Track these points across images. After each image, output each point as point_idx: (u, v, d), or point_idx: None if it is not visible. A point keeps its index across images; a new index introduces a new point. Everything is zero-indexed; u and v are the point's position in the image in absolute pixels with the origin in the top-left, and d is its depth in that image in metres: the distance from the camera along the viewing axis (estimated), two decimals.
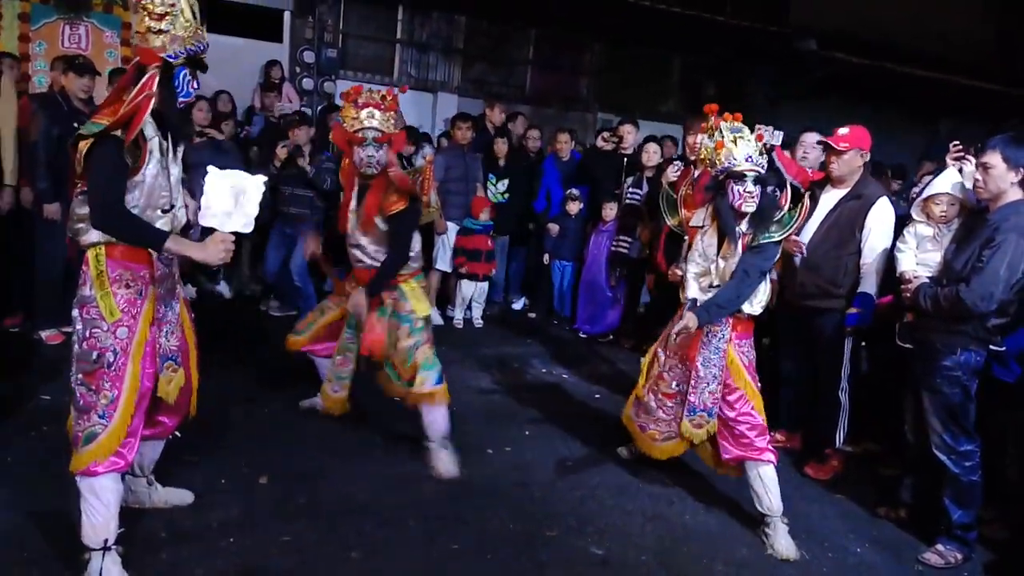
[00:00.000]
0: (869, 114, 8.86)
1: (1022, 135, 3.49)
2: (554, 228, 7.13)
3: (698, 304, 3.55)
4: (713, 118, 3.52)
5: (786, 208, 3.55)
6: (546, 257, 7.28)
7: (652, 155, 6.40)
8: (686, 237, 3.85)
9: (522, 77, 10.94)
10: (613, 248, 6.63)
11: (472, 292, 6.81)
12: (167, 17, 2.50)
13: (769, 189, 3.53)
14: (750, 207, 3.46)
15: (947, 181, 3.75)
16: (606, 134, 7.16)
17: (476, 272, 6.70)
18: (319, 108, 8.87)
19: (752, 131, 3.49)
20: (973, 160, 3.71)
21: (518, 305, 7.70)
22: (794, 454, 4.55)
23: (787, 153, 4.99)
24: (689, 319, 3.47)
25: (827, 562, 3.49)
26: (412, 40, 10.13)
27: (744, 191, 3.42)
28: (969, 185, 3.63)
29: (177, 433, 3.09)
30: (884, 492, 4.09)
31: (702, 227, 3.69)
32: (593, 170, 7.04)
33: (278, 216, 6.25)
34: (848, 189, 4.18)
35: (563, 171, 7.32)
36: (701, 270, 3.64)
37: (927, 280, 3.58)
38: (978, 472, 3.50)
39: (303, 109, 8.52)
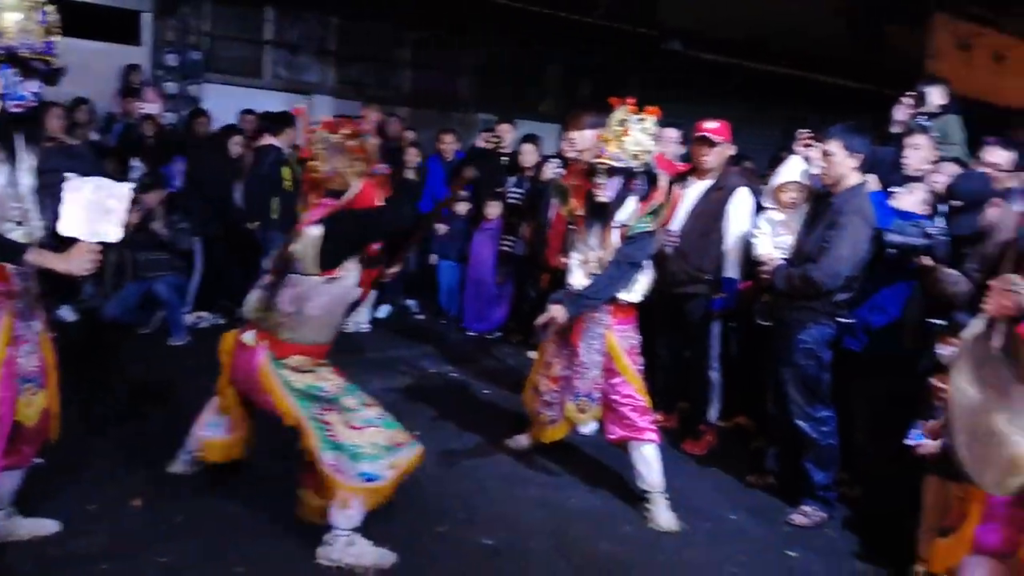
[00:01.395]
0: (734, 110, 9.34)
1: (860, 125, 3.82)
2: (442, 228, 7.17)
3: (569, 294, 3.67)
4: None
5: (658, 200, 3.68)
6: (433, 257, 7.31)
7: (528, 155, 6.55)
8: (572, 228, 3.93)
9: (401, 78, 10.90)
10: (500, 248, 6.74)
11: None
12: None
13: (637, 183, 3.62)
14: (603, 198, 3.58)
15: (794, 170, 4.04)
16: (486, 134, 7.27)
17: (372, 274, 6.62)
18: (184, 113, 8.55)
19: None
20: (817, 147, 4.02)
21: (402, 305, 7.68)
22: (671, 432, 4.76)
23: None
24: (555, 311, 3.60)
25: (704, 530, 3.70)
26: (282, 41, 9.90)
27: (595, 181, 3.56)
28: (814, 172, 3.92)
29: (38, 459, 2.94)
30: (754, 462, 4.36)
31: (583, 216, 3.77)
32: (476, 170, 7.11)
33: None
34: (712, 181, 4.43)
35: (448, 171, 7.37)
36: (584, 258, 3.74)
37: (782, 262, 3.84)
38: (835, 436, 3.79)
39: (167, 113, 8.19)
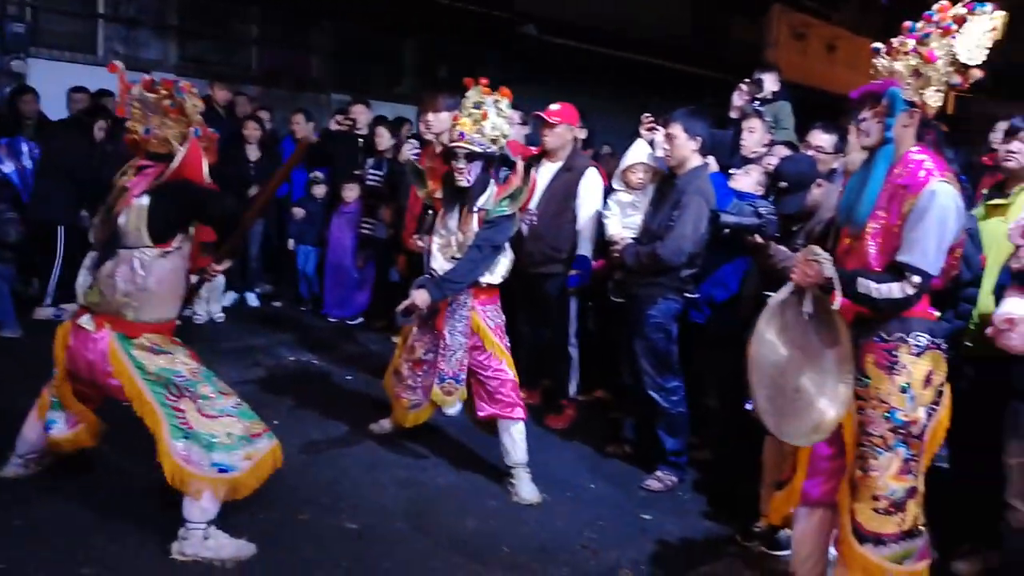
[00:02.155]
0: (587, 95, 9.58)
1: (699, 109, 4.03)
2: (299, 212, 6.99)
3: (432, 279, 3.68)
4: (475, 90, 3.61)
5: (516, 184, 3.73)
6: (291, 242, 7.12)
7: (383, 138, 6.47)
8: (430, 211, 3.97)
9: (248, 56, 10.46)
10: (360, 231, 6.64)
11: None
12: None
13: (497, 167, 3.70)
14: (463, 182, 3.61)
15: (640, 151, 4.22)
16: (339, 116, 7.12)
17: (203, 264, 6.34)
18: (7, 90, 7.84)
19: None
20: (662, 130, 4.21)
21: (257, 292, 7.43)
22: (535, 408, 4.89)
23: None
24: (418, 296, 3.60)
25: (566, 500, 3.84)
26: (117, 15, 9.26)
27: (456, 166, 3.59)
28: (660, 154, 4.11)
29: None
30: (611, 432, 4.56)
31: (442, 200, 3.80)
32: (331, 152, 6.99)
33: None
34: (562, 163, 4.56)
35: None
36: (444, 242, 3.75)
37: (631, 241, 4.01)
38: (684, 404, 4.02)
39: None
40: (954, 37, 2.43)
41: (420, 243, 3.94)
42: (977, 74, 2.47)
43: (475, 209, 3.65)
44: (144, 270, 2.96)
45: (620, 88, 12.42)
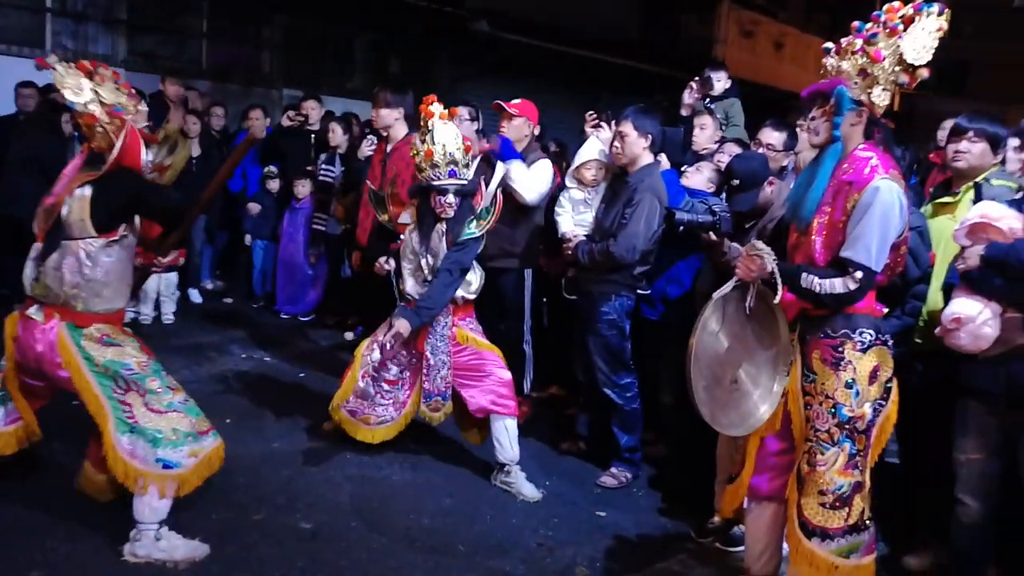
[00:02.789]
0: (539, 92, 9.58)
1: (649, 107, 4.08)
2: (255, 207, 6.90)
3: (409, 307, 3.73)
4: (430, 117, 3.60)
5: (482, 204, 3.78)
6: (247, 238, 7.02)
7: (336, 133, 6.40)
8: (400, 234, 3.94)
9: (198, 51, 10.28)
10: (313, 226, 6.58)
11: (158, 285, 6.16)
12: None
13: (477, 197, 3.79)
14: (449, 215, 3.69)
15: (592, 148, 4.24)
16: (291, 112, 7.05)
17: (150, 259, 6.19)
18: None
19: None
20: (606, 127, 4.25)
21: (207, 287, 7.33)
22: None
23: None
24: (400, 325, 3.61)
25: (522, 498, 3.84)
26: (65, 9, 9.03)
27: (445, 202, 3.65)
28: (606, 150, 4.14)
29: None
30: (566, 429, 4.59)
31: (410, 225, 3.83)
32: (283, 148, 6.91)
33: None
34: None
35: (257, 149, 7.09)
36: (415, 266, 3.80)
37: (584, 238, 4.04)
38: (638, 400, 4.06)
39: None
40: (901, 37, 2.47)
41: (386, 266, 3.96)
42: (924, 73, 2.52)
43: (441, 232, 3.73)
44: (90, 261, 2.92)
45: (571, 84, 12.49)
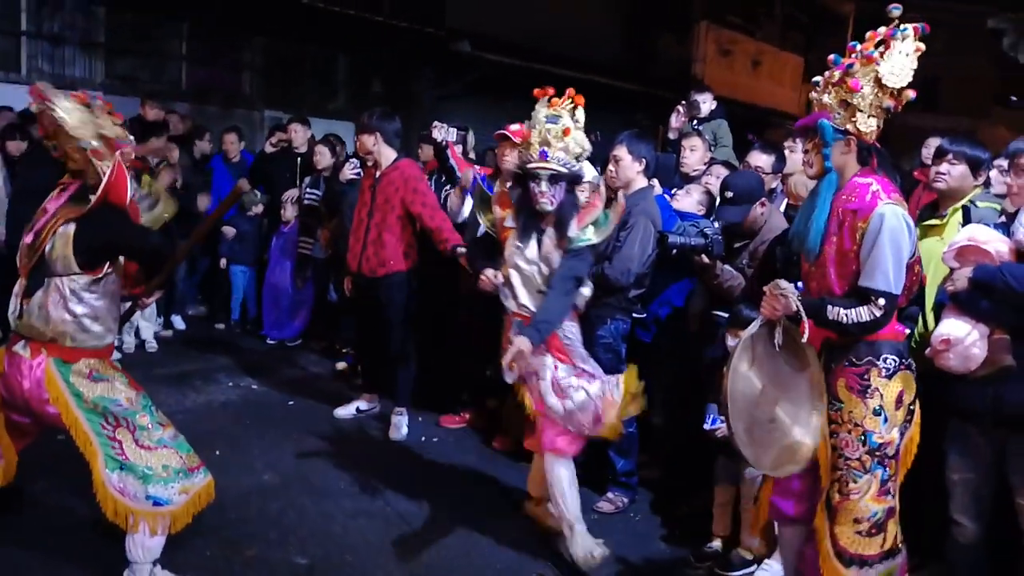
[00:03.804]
0: (520, 111, 9.58)
1: (643, 132, 4.09)
2: (230, 231, 6.83)
3: (525, 322, 3.31)
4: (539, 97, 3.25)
5: (598, 208, 3.40)
6: (223, 262, 6.94)
7: (323, 156, 6.36)
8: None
9: (177, 72, 10.20)
10: (298, 251, 6.52)
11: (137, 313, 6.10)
12: None
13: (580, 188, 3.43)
14: (543, 206, 3.26)
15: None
16: (275, 137, 7.01)
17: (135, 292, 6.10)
18: None
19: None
20: None
21: (190, 313, 7.23)
22: (481, 432, 4.86)
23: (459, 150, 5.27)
24: (521, 343, 3.14)
25: (519, 527, 3.77)
26: (41, 32, 8.94)
27: (537, 190, 3.24)
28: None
29: None
30: None
31: (515, 228, 3.45)
32: (268, 172, 6.89)
33: None
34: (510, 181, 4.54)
35: (233, 172, 7.05)
36: (526, 275, 3.37)
37: None
38: (634, 424, 4.02)
39: None
40: (878, 64, 2.50)
41: (494, 278, 3.43)
42: (910, 95, 2.55)
43: (555, 237, 3.31)
44: (75, 298, 2.86)
45: None
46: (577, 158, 3.27)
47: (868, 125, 2.57)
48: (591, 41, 12.85)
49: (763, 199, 3.69)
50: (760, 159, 4.16)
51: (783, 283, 2.62)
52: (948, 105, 19.45)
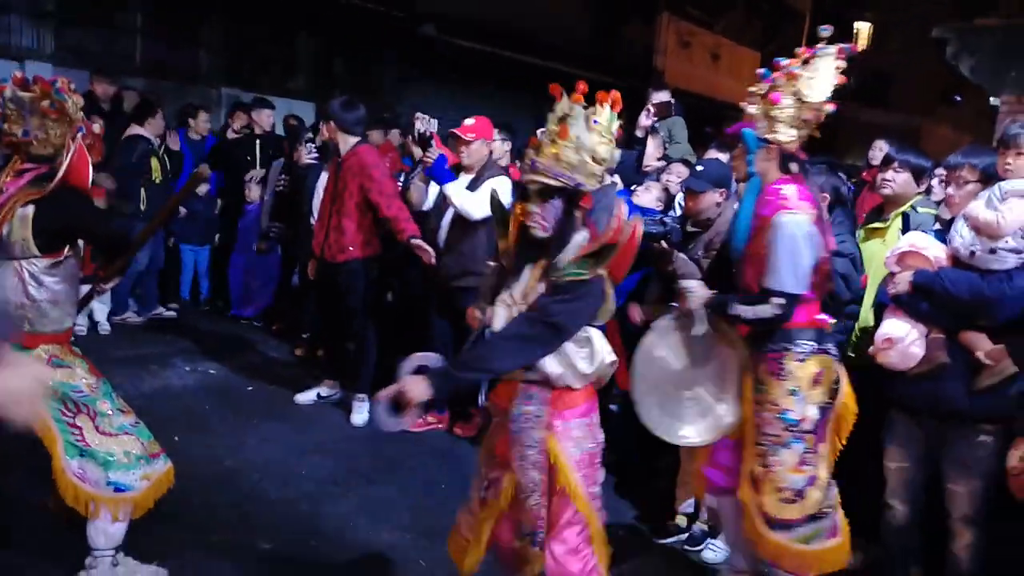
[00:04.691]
0: (484, 96, 9.65)
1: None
2: (180, 210, 6.78)
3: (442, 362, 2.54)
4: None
5: (607, 238, 2.40)
6: (171, 240, 6.92)
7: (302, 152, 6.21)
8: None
9: (131, 46, 9.96)
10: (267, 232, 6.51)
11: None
12: None
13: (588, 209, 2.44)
14: (535, 231, 2.38)
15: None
16: (237, 125, 6.96)
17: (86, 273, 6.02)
18: None
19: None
20: None
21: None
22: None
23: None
24: (410, 386, 2.33)
25: None
26: None
27: (527, 209, 2.38)
28: None
29: None
30: None
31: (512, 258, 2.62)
32: (233, 155, 6.90)
33: None
34: (473, 175, 4.60)
35: (195, 152, 7.00)
36: (509, 313, 2.44)
37: None
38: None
39: None
40: (799, 80, 2.70)
41: (479, 315, 2.57)
42: (828, 108, 2.76)
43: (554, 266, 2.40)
44: (35, 281, 2.84)
45: (517, 89, 12.58)
46: (585, 169, 2.35)
47: (789, 135, 2.78)
48: (559, 29, 12.91)
49: (724, 190, 3.83)
50: (718, 156, 4.28)
51: (686, 283, 2.92)
52: (898, 103, 19.96)
